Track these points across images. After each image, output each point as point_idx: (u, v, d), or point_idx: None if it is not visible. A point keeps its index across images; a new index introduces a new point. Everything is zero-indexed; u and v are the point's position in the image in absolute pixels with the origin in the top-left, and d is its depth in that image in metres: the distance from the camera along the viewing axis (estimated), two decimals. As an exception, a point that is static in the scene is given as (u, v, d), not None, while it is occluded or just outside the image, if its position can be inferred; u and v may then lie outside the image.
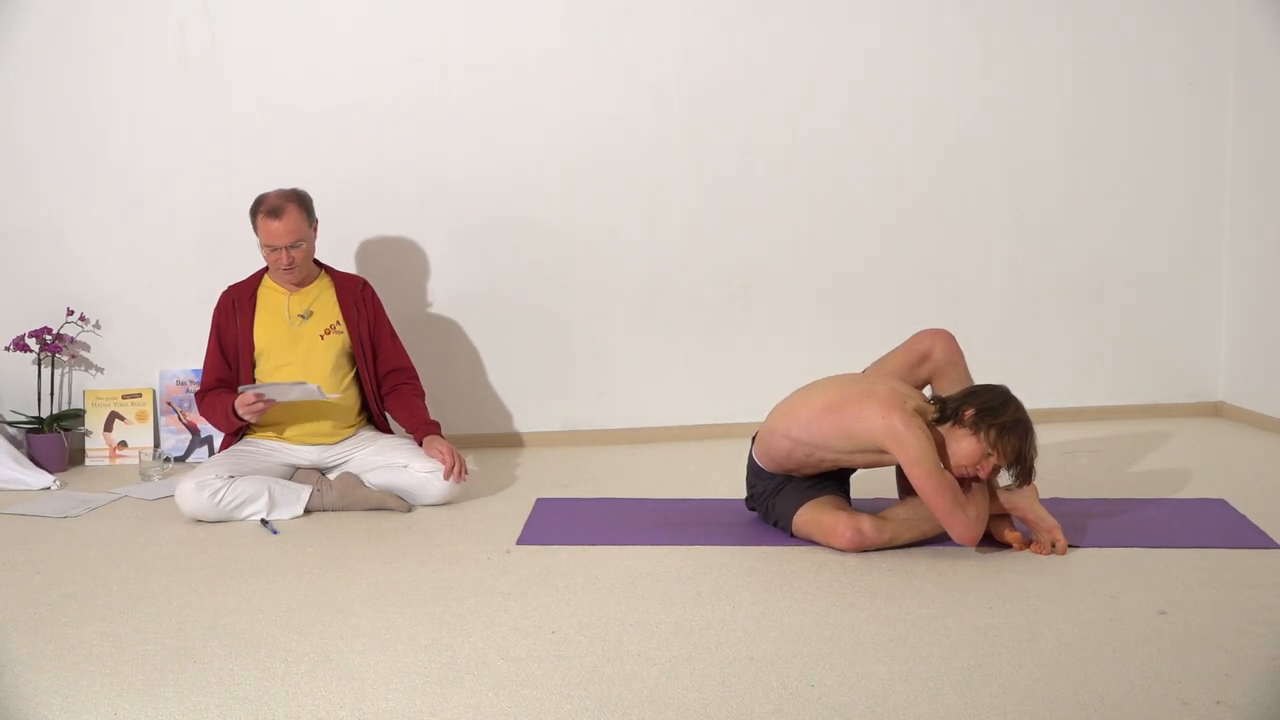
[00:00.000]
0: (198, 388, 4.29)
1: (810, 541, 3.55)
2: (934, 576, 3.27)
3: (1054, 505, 3.84)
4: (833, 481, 3.67)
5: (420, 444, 4.13)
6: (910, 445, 3.30)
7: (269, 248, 4.10)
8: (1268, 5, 4.94)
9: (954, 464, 3.37)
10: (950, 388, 3.60)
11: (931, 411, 3.42)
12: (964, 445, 3.34)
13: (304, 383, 4.01)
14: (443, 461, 4.03)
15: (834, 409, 3.46)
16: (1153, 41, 5.09)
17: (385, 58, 4.81)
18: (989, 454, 3.32)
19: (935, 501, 3.32)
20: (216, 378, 4.19)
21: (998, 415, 3.32)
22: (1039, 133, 5.10)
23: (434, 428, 4.19)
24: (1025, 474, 3.37)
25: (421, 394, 4.33)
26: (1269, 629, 2.87)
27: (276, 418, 4.14)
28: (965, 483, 3.43)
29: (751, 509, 3.81)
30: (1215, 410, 5.29)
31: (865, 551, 3.45)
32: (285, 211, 4.07)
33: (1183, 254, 5.22)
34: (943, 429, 3.39)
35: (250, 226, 4.15)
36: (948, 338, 3.64)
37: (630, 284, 5.01)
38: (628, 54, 4.89)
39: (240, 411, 4.01)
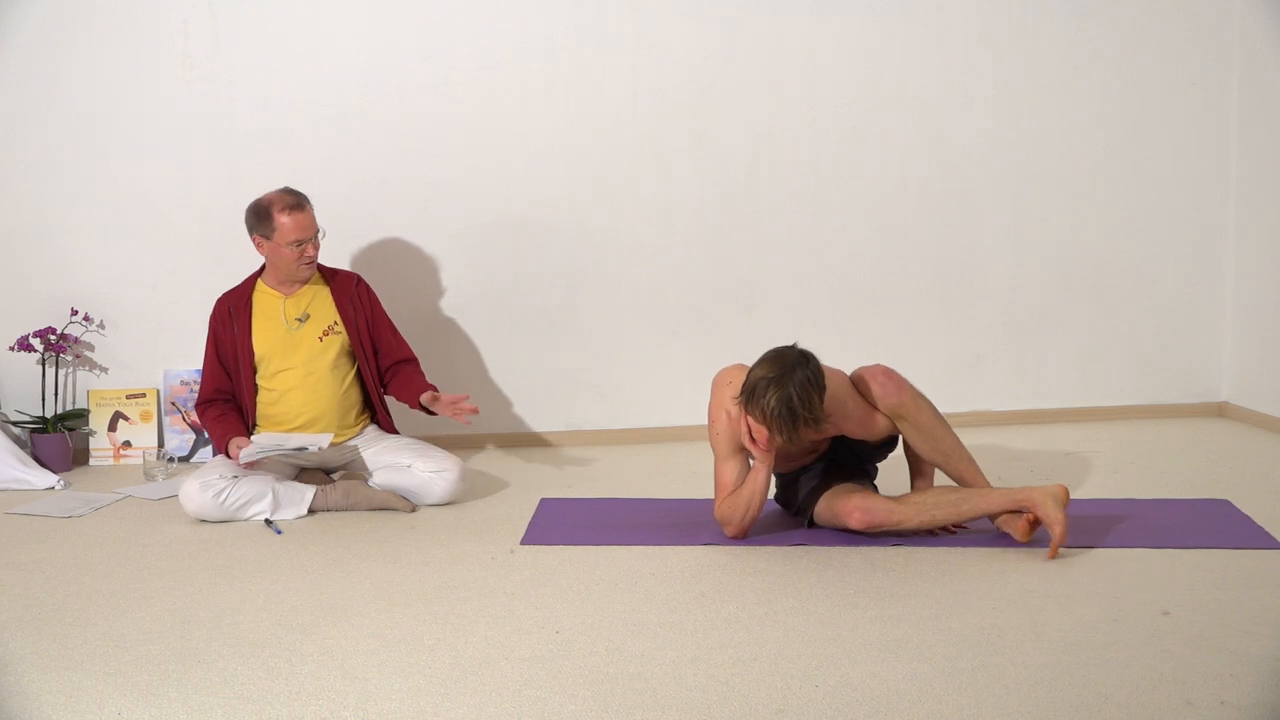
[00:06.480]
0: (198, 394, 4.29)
1: (829, 529, 3.62)
2: (937, 577, 3.27)
3: (1058, 506, 3.86)
4: (847, 469, 3.69)
5: (423, 406, 4.07)
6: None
7: (297, 242, 4.06)
8: (1271, 5, 4.93)
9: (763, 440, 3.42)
10: (913, 434, 3.60)
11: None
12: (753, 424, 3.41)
13: (309, 442, 3.97)
14: (456, 414, 4.01)
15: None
16: (1156, 41, 5.08)
17: (390, 58, 4.81)
18: (761, 429, 3.36)
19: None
20: (215, 387, 4.19)
21: (749, 396, 3.35)
22: (1043, 133, 5.09)
23: (432, 388, 4.12)
24: (778, 428, 3.30)
25: (421, 374, 4.26)
26: (1273, 629, 2.86)
27: (280, 417, 4.14)
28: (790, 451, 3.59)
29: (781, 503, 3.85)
30: (1219, 411, 5.28)
31: (879, 531, 3.52)
32: (306, 202, 4.09)
33: (1187, 254, 5.22)
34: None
35: (250, 234, 4.12)
36: (882, 380, 3.56)
37: (634, 284, 5.01)
38: (633, 56, 4.89)
39: (231, 456, 4.00)
